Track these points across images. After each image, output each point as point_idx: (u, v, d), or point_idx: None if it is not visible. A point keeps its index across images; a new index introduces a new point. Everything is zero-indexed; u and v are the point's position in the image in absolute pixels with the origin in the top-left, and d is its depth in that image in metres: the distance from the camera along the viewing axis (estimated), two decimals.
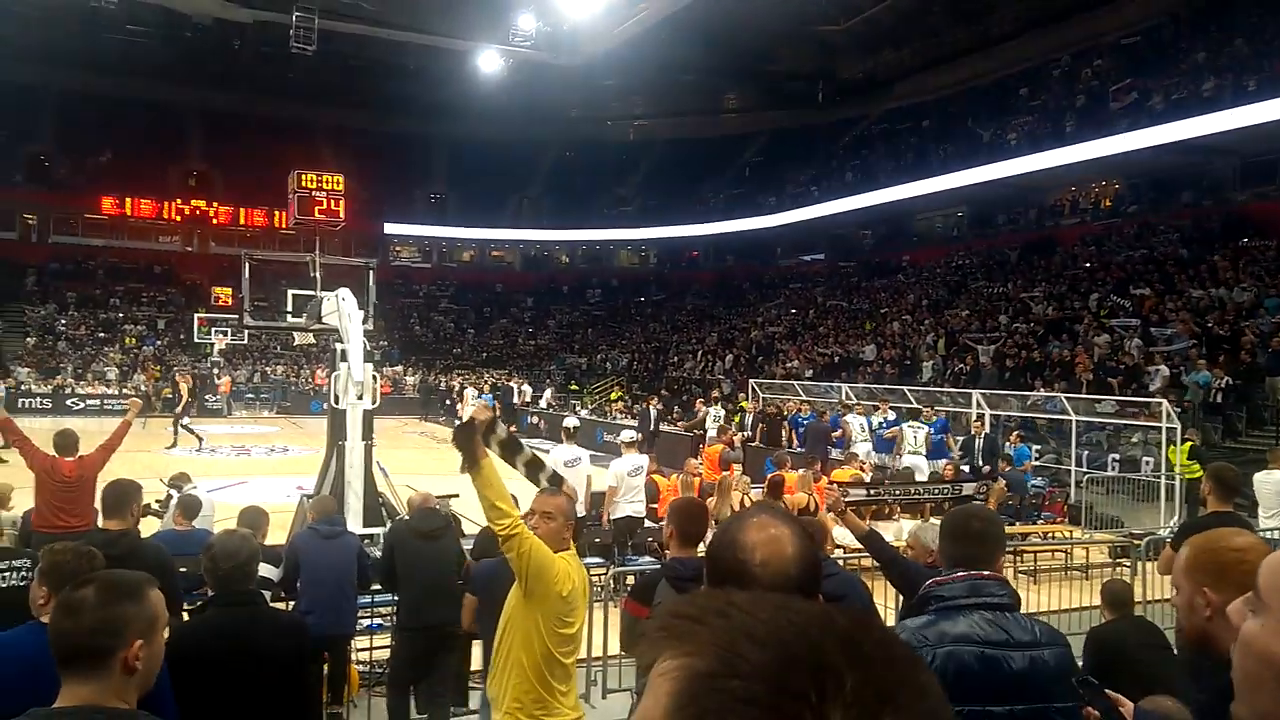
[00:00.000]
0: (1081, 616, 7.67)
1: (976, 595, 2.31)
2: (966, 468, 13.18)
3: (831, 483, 9.60)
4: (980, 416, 15.53)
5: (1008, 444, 14.43)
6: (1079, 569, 10.33)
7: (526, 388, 30.09)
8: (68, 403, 28.46)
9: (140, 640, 1.90)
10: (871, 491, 7.62)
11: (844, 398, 18.66)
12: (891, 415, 15.70)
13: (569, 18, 29.97)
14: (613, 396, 31.26)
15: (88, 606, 1.88)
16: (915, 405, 15.93)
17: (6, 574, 4.15)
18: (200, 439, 20.87)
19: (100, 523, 5.01)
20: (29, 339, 34.65)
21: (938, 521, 3.47)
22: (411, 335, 41.48)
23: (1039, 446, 15.90)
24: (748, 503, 8.70)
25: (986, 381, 19.38)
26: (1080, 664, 4.57)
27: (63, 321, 36.38)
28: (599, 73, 34.33)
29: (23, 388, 28.78)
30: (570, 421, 11.44)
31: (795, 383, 22.65)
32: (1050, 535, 11.67)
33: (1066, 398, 15.69)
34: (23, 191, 38.86)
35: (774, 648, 0.58)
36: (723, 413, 19.60)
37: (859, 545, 7.07)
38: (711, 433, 18.56)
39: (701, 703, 0.57)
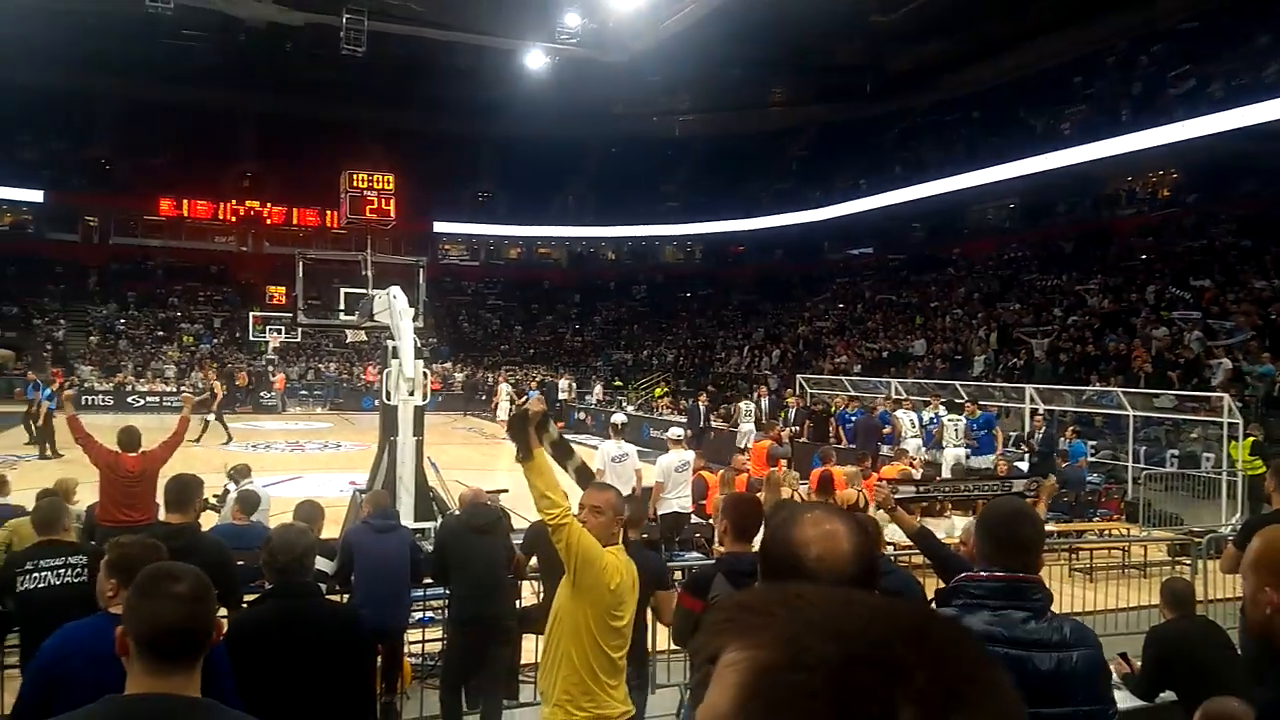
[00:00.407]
0: (1140, 615, 7.52)
1: (1007, 597, 2.24)
2: (1023, 464, 12.97)
3: (880, 479, 9.51)
4: (1034, 411, 15.27)
5: (1063, 439, 14.18)
6: (1137, 567, 10.11)
7: (571, 384, 30.29)
8: (128, 400, 29.19)
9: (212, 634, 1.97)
10: (921, 488, 7.48)
11: (893, 393, 18.46)
12: (943, 410, 15.50)
13: (614, 14, 29.98)
14: (657, 393, 31.25)
15: (189, 598, 1.92)
16: (963, 400, 15.72)
17: (61, 570, 4.25)
18: (207, 433, 20.88)
19: (162, 516, 5.13)
20: (91, 338, 35.67)
21: None
22: (460, 332, 41.90)
23: (1094, 442, 15.60)
24: (798, 499, 8.65)
25: (1040, 376, 19.06)
26: (1140, 663, 4.49)
27: (123, 321, 37.38)
28: (644, 69, 34.28)
29: (85, 385, 29.58)
30: (618, 417, 11.48)
31: (844, 378, 22.46)
32: (1106, 532, 11.45)
33: (1123, 392, 15.36)
34: (84, 195, 39.99)
35: (841, 642, 0.57)
36: (753, 406, 19.59)
37: (909, 542, 7.01)
38: (746, 425, 18.52)
39: (768, 695, 0.56)
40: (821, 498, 7.80)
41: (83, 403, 25.73)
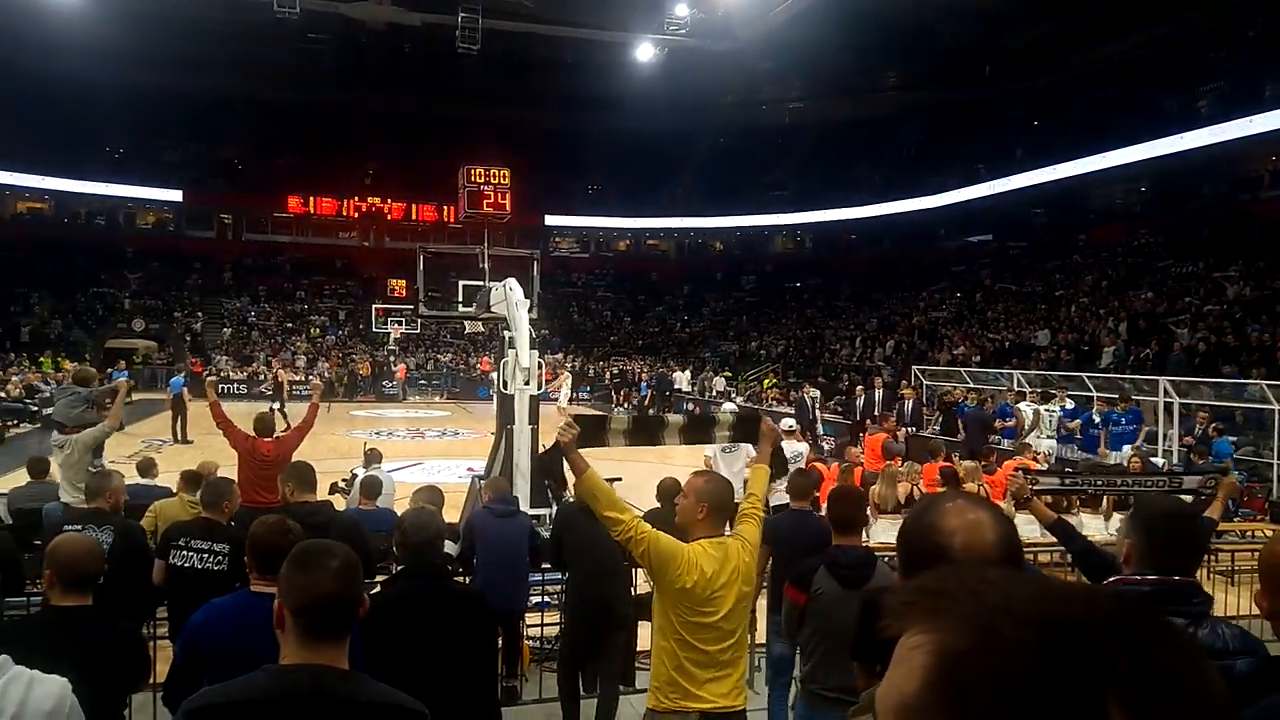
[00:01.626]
0: None
1: (1164, 602, 2.12)
2: (1157, 459, 12.33)
3: (1017, 468, 9.17)
4: (1169, 405, 14.48)
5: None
6: None
7: (688, 375, 30.39)
8: (261, 388, 30.64)
9: None
10: (1067, 481, 7.02)
11: (1014, 384, 17.81)
12: (1069, 404, 14.86)
13: (723, 3, 29.81)
14: (765, 384, 30.96)
15: (343, 572, 2.00)
16: (1094, 393, 15.04)
17: (206, 555, 4.44)
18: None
19: (292, 498, 5.35)
20: (225, 330, 37.65)
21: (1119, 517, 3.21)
22: (571, 323, 42.45)
23: (1235, 438, 14.68)
24: (917, 494, 8.47)
25: (1173, 368, 18.06)
26: None
27: (254, 313, 39.31)
28: (753, 57, 33.97)
29: (221, 374, 31.18)
30: (728, 407, 11.42)
31: (963, 370, 21.77)
32: (1250, 533, 10.80)
33: (1268, 385, 14.41)
34: (219, 194, 42.32)
35: (1037, 627, 0.55)
36: (818, 394, 19.40)
37: (1033, 540, 6.76)
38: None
39: (958, 679, 0.55)
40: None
41: (219, 391, 27.15)
